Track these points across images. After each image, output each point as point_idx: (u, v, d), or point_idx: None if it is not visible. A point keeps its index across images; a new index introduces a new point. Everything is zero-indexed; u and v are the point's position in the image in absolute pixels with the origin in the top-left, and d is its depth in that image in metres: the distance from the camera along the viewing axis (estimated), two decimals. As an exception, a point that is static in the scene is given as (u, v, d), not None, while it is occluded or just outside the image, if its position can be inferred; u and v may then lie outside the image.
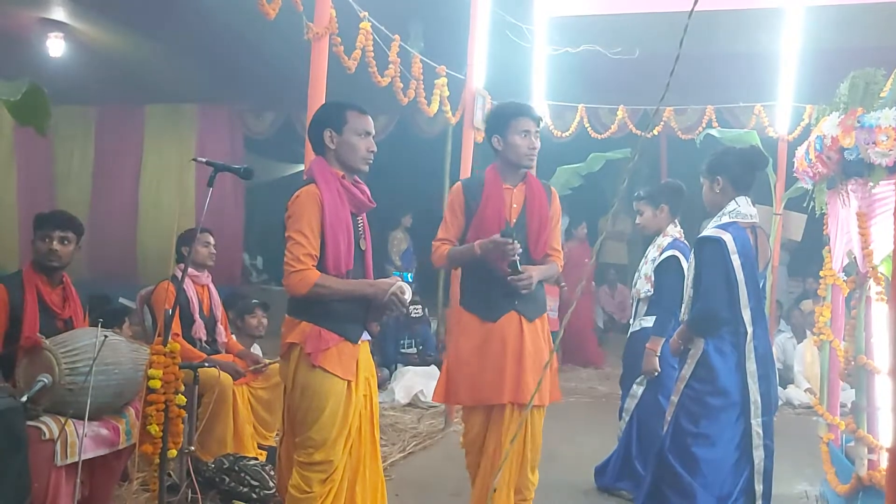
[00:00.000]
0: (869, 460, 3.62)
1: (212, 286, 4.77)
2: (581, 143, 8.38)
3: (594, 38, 7.33)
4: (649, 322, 4.27)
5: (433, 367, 7.07)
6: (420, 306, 8.05)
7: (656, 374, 4.17)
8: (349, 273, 2.91)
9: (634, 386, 4.36)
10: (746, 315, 3.36)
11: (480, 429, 3.45)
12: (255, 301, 5.25)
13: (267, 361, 4.71)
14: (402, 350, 7.62)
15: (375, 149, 3.02)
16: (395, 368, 7.25)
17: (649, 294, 4.31)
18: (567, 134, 8.19)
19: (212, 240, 4.69)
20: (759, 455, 3.38)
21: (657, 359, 4.14)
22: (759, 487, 3.39)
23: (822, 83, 4.46)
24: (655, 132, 8.43)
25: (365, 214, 3.11)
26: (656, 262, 4.29)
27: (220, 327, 4.70)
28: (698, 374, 3.39)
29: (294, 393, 2.89)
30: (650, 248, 4.44)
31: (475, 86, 5.94)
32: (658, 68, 3.17)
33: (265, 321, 5.11)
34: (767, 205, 7.55)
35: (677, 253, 4.23)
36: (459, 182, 3.62)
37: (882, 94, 3.35)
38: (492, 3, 6.18)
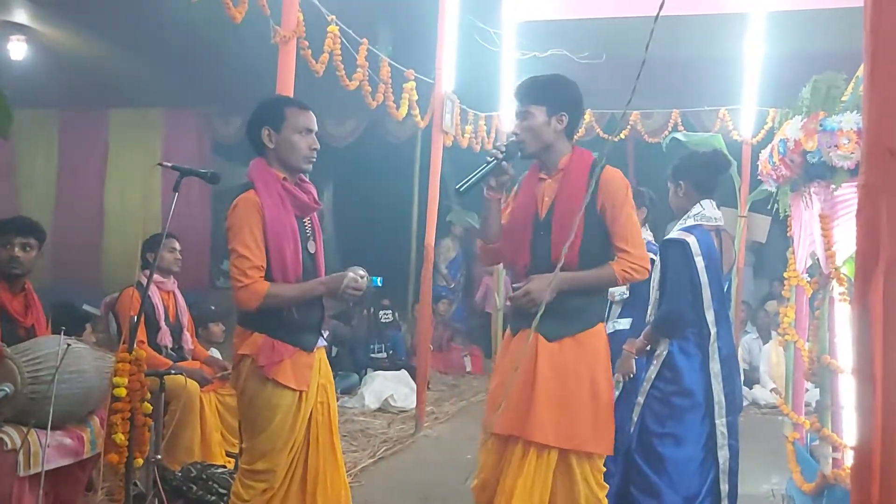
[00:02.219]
0: (833, 459, 3.67)
1: (178, 292, 4.71)
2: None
3: (561, 42, 7.38)
4: (624, 324, 4.29)
5: (403, 372, 7.06)
6: (390, 311, 8.04)
7: (632, 375, 4.20)
8: (299, 280, 2.80)
9: None
10: (710, 316, 3.41)
11: (496, 469, 2.86)
12: (212, 308, 5.21)
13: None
14: (372, 355, 7.60)
15: (318, 146, 2.88)
16: (365, 373, 7.23)
17: (625, 296, 4.33)
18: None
19: (177, 245, 4.63)
20: (723, 455, 3.42)
21: (634, 361, 4.18)
22: (724, 487, 3.43)
23: (785, 87, 4.53)
24: (622, 136, 8.50)
25: (315, 215, 2.99)
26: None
27: (187, 334, 4.65)
28: (663, 375, 3.43)
29: (243, 402, 2.82)
30: None
31: (444, 90, 5.94)
32: (624, 72, 3.19)
33: (222, 329, 5.09)
34: (732, 207, 7.65)
35: (653, 256, 4.27)
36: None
37: (843, 99, 3.41)
38: (460, 8, 6.19)
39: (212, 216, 10.00)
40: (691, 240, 3.41)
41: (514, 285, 2.96)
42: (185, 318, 4.70)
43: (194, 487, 3.93)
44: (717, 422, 3.39)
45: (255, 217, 2.71)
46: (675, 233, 3.50)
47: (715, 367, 3.39)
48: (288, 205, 2.80)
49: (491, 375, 3.15)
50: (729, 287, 3.64)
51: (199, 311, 5.14)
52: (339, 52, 4.76)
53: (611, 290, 4.37)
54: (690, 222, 3.50)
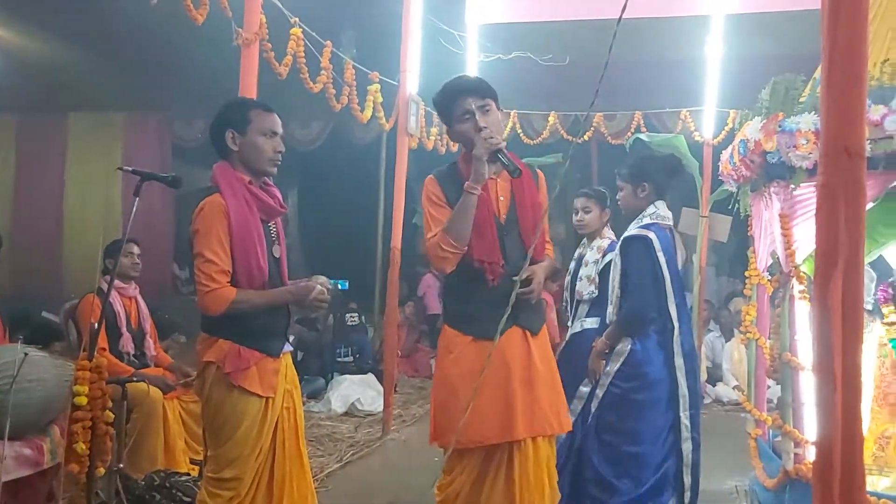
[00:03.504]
0: (795, 454, 3.72)
1: (140, 298, 4.64)
2: (514, 148, 8.33)
3: (525, 45, 7.43)
4: (592, 323, 4.31)
5: (370, 376, 7.04)
6: (356, 314, 8.00)
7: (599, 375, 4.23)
8: (264, 284, 2.77)
9: (581, 388, 4.39)
10: (673, 311, 3.48)
11: (471, 477, 2.83)
12: (166, 316, 5.15)
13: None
14: (339, 359, 7.56)
15: (283, 149, 2.84)
16: (332, 377, 7.19)
17: (593, 296, 4.36)
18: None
19: (136, 250, 4.57)
20: (686, 448, 3.47)
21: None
22: (686, 480, 3.48)
23: (745, 89, 4.60)
24: (586, 137, 8.57)
25: (280, 219, 2.96)
26: (600, 264, 4.34)
27: (149, 340, 4.58)
28: (624, 371, 3.48)
29: (208, 410, 2.77)
30: (585, 250, 4.48)
31: (409, 92, 5.94)
32: (587, 75, 3.20)
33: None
34: (694, 207, 7.75)
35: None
36: (432, 175, 2.98)
37: (801, 100, 3.46)
38: (424, 11, 6.19)
39: (174, 221, 9.88)
40: (652, 236, 3.47)
41: (488, 282, 2.87)
42: (148, 325, 4.64)
43: (158, 496, 3.87)
44: (681, 415, 3.45)
45: (221, 221, 2.68)
46: (634, 230, 3.56)
47: (679, 361, 3.45)
48: (254, 208, 2.77)
49: (440, 384, 2.94)
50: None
51: (160, 321, 5.07)
52: (303, 54, 4.74)
53: (579, 289, 4.41)
54: (647, 221, 3.57)
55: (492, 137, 2.80)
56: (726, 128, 7.51)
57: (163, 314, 5.29)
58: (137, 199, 2.89)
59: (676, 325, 3.48)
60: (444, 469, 2.91)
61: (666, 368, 3.45)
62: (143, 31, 7.01)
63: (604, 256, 4.32)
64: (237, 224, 2.69)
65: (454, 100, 2.91)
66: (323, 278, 2.84)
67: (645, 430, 3.44)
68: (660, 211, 3.61)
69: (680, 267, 3.64)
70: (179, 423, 4.45)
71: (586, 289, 4.37)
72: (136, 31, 7.03)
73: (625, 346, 3.49)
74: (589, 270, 4.38)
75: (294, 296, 2.81)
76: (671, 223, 3.65)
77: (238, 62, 3.99)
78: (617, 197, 3.86)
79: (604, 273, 4.29)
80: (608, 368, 3.53)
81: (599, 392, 3.54)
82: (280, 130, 2.86)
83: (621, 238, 3.67)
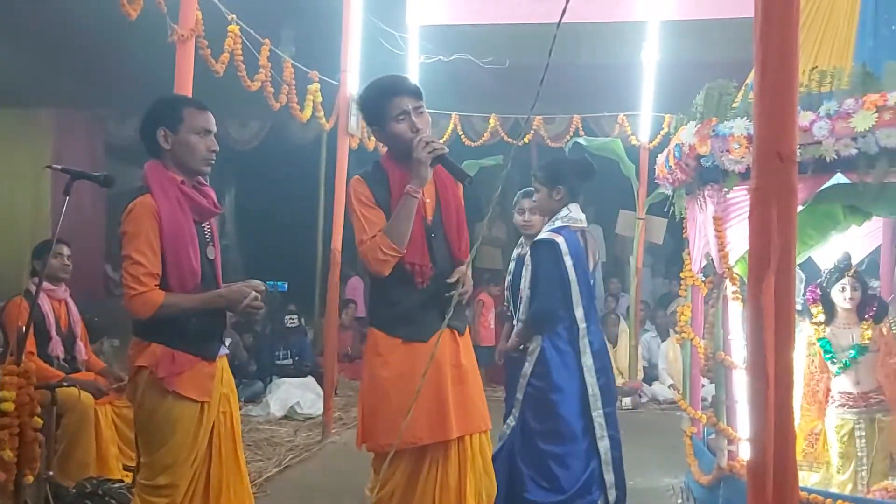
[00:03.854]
0: (729, 451, 3.81)
1: (70, 301, 4.50)
2: (455, 150, 8.46)
3: (466, 47, 7.45)
4: None
5: (310, 378, 6.96)
6: (296, 316, 7.91)
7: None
8: (197, 287, 2.70)
9: None
10: (579, 313, 3.57)
11: (404, 477, 2.83)
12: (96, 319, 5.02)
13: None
14: (278, 361, 7.45)
15: (217, 148, 2.77)
16: (270, 380, 7.08)
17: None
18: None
19: (66, 251, 4.43)
20: (604, 446, 3.55)
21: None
22: (608, 477, 3.54)
23: (680, 94, 4.70)
24: (526, 140, 8.64)
25: (214, 220, 2.88)
26: None
27: (80, 344, 4.45)
28: (538, 371, 3.55)
29: (141, 415, 2.70)
30: (525, 249, 4.51)
31: (349, 92, 5.90)
32: (527, 78, 3.23)
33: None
34: (631, 210, 7.89)
35: None
36: (358, 176, 2.91)
37: (734, 105, 3.55)
38: (364, 11, 6.16)
39: (106, 221, 9.62)
40: (560, 240, 3.57)
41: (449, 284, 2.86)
42: (79, 328, 4.51)
43: (89, 503, 3.77)
44: (593, 414, 3.52)
45: (151, 222, 2.61)
46: (544, 234, 3.64)
47: (587, 361, 3.54)
48: (186, 209, 2.70)
49: (369, 387, 2.89)
50: (594, 285, 3.79)
51: (91, 324, 4.93)
52: (241, 52, 4.66)
53: (523, 287, 4.45)
54: (558, 223, 3.66)
55: (433, 142, 2.79)
56: (662, 132, 7.66)
57: (93, 317, 5.13)
58: (68, 198, 2.80)
59: (583, 325, 3.58)
60: (376, 470, 2.90)
61: (575, 369, 3.53)
62: (74, 25, 6.80)
63: None
64: (168, 225, 2.62)
65: (389, 99, 2.83)
66: (257, 282, 2.77)
67: (564, 431, 3.50)
68: (572, 213, 3.70)
69: (591, 269, 3.72)
70: (112, 428, 4.34)
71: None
72: (66, 25, 6.82)
73: (536, 345, 3.57)
74: None
75: (226, 300, 2.74)
76: (584, 225, 3.75)
77: (173, 59, 3.90)
78: (533, 199, 3.91)
79: None
80: (524, 369, 3.60)
81: (520, 394, 3.60)
82: (214, 129, 2.79)
83: (532, 241, 3.74)
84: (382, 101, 2.85)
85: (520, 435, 3.56)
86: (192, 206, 2.72)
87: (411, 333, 2.82)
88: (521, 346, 3.69)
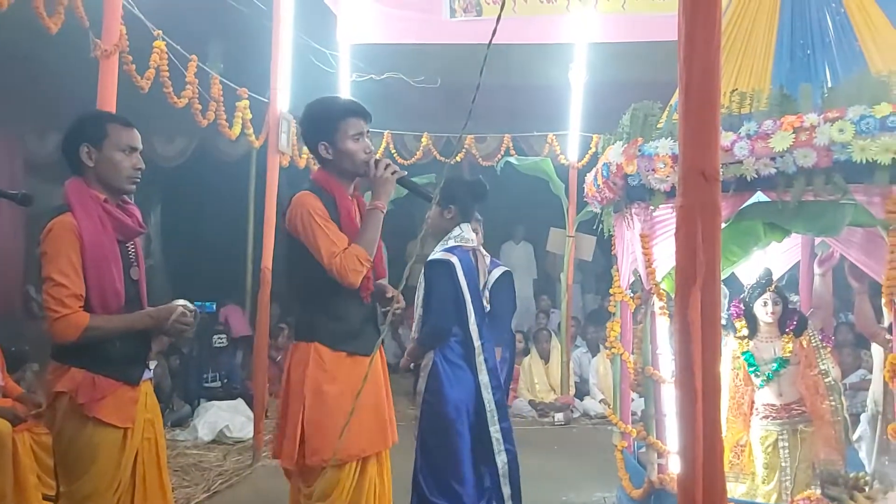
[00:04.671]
0: (659, 465, 3.87)
1: (-14, 324, 4.32)
2: (387, 168, 8.46)
3: (397, 66, 7.48)
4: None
5: (239, 401, 6.80)
6: (224, 335, 7.73)
7: None
8: (121, 308, 2.63)
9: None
10: (474, 330, 3.62)
11: (349, 490, 2.88)
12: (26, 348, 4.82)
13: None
14: (206, 384, 7.26)
15: (143, 166, 2.71)
16: (198, 404, 6.89)
17: (485, 311, 4.44)
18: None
19: (-17, 273, 4.26)
20: (501, 460, 3.60)
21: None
22: (505, 490, 3.59)
23: (607, 114, 4.80)
24: (458, 159, 8.70)
25: (139, 239, 2.81)
26: (489, 281, 4.43)
27: (-4, 369, 4.27)
28: (430, 387, 3.57)
29: (60, 443, 2.60)
30: None
31: (279, 109, 5.84)
32: (459, 97, 3.27)
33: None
34: (561, 227, 8.01)
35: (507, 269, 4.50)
36: (308, 192, 2.93)
37: (659, 126, 3.64)
38: (294, 28, 6.12)
39: (25, 241, 9.27)
40: (454, 260, 3.61)
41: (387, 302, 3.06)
42: (-5, 353, 4.32)
43: (5, 537, 3.60)
44: (490, 429, 3.56)
45: (72, 241, 2.52)
46: (438, 253, 3.68)
47: (483, 378, 3.60)
48: (109, 228, 2.62)
49: (314, 403, 2.86)
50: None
51: (10, 351, 4.73)
52: (167, 68, 4.57)
53: None
54: (451, 243, 3.71)
55: (391, 164, 2.93)
56: (590, 151, 7.82)
57: (14, 345, 4.92)
58: (-17, 218, 2.69)
59: (478, 343, 3.63)
60: (308, 483, 2.87)
61: (472, 385, 3.56)
62: (-9, 38, 6.57)
63: (490, 273, 4.42)
64: (90, 245, 2.54)
65: (345, 118, 2.94)
66: (183, 301, 2.71)
67: (459, 445, 3.51)
68: (464, 233, 3.76)
69: (482, 287, 3.76)
70: (31, 456, 4.16)
71: None
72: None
73: (428, 360, 3.61)
74: None
75: (154, 319, 2.68)
76: (474, 245, 3.81)
77: (96, 74, 3.80)
78: (427, 216, 3.95)
79: (493, 289, 4.38)
80: (419, 386, 3.64)
81: (417, 411, 3.62)
82: (140, 146, 2.73)
83: (426, 260, 3.76)
84: (341, 118, 2.94)
85: (420, 452, 3.57)
86: (115, 225, 2.65)
87: (356, 347, 2.89)
88: (413, 364, 3.76)
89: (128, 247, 2.73)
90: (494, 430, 3.57)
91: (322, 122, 2.97)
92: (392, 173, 2.90)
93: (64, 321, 2.50)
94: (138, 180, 2.72)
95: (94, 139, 2.64)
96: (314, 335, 2.90)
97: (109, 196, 2.67)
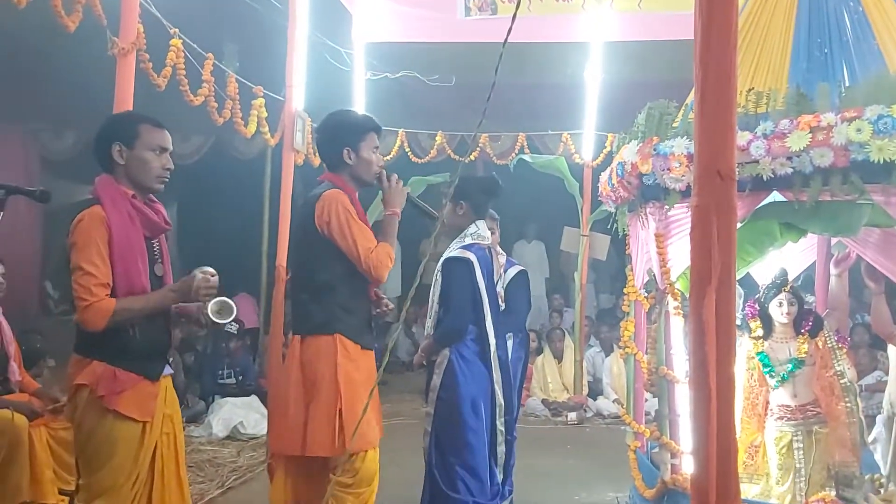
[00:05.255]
0: (672, 464, 3.87)
1: (3, 321, 4.36)
2: (402, 166, 8.46)
3: (412, 65, 7.48)
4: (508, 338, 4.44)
5: (253, 398, 6.83)
6: (236, 324, 7.74)
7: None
8: None
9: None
10: (490, 328, 3.60)
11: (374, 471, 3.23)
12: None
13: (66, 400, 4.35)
14: (220, 380, 7.30)
15: (172, 166, 2.79)
16: (213, 400, 6.93)
17: (500, 310, 4.46)
18: (388, 158, 8.27)
19: (0, 269, 4.29)
20: (501, 450, 3.64)
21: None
22: (499, 476, 3.60)
23: (622, 113, 4.79)
24: (472, 157, 8.70)
25: (164, 237, 2.87)
26: (505, 280, 4.46)
27: (13, 364, 4.31)
28: (446, 383, 3.56)
29: (80, 436, 2.63)
30: None
31: (295, 108, 5.85)
32: (473, 96, 3.30)
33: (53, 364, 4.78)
34: (575, 226, 7.99)
35: (522, 268, 4.65)
36: (338, 191, 3.18)
37: (674, 125, 3.63)
38: (310, 26, 6.13)
39: (42, 238, 9.34)
40: (473, 258, 3.60)
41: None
42: (12, 348, 4.36)
43: (21, 530, 3.64)
44: (497, 422, 3.57)
45: (101, 232, 2.57)
46: (456, 251, 3.68)
47: (497, 375, 3.61)
48: (137, 223, 2.67)
49: (349, 391, 3.05)
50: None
51: (28, 346, 4.77)
52: (183, 66, 4.59)
53: None
54: (468, 241, 3.69)
55: (399, 179, 3.27)
56: (605, 150, 7.79)
57: (32, 339, 4.96)
58: (2, 214, 2.71)
59: (493, 341, 3.64)
60: (358, 474, 3.07)
61: (486, 381, 3.57)
62: (10, 36, 6.63)
63: (505, 272, 4.47)
64: (118, 237, 2.59)
65: (370, 131, 3.30)
66: (202, 268, 2.73)
67: (474, 443, 3.51)
68: (480, 231, 3.76)
69: (496, 284, 3.80)
70: (47, 451, 4.19)
71: None
72: (0, 35, 6.64)
73: (444, 357, 3.58)
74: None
75: (177, 293, 2.71)
76: (489, 242, 3.81)
77: (113, 72, 3.83)
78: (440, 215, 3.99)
79: (509, 287, 4.43)
80: (433, 382, 3.63)
81: (430, 408, 3.61)
82: (170, 147, 2.80)
83: (442, 257, 3.76)
84: (367, 130, 3.30)
85: (434, 449, 3.57)
86: (142, 220, 2.70)
87: (368, 342, 3.19)
88: (426, 361, 3.77)
89: (153, 243, 2.78)
90: (500, 423, 3.61)
91: (350, 129, 3.28)
92: (402, 187, 3.25)
93: (93, 309, 2.53)
94: (167, 180, 2.78)
95: (126, 139, 2.71)
96: (336, 328, 3.08)
97: (137, 193, 2.73)
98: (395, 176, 3.28)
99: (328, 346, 3.06)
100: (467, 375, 3.54)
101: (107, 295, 2.57)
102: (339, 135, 3.27)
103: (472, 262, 3.59)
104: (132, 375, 2.61)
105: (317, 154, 6.87)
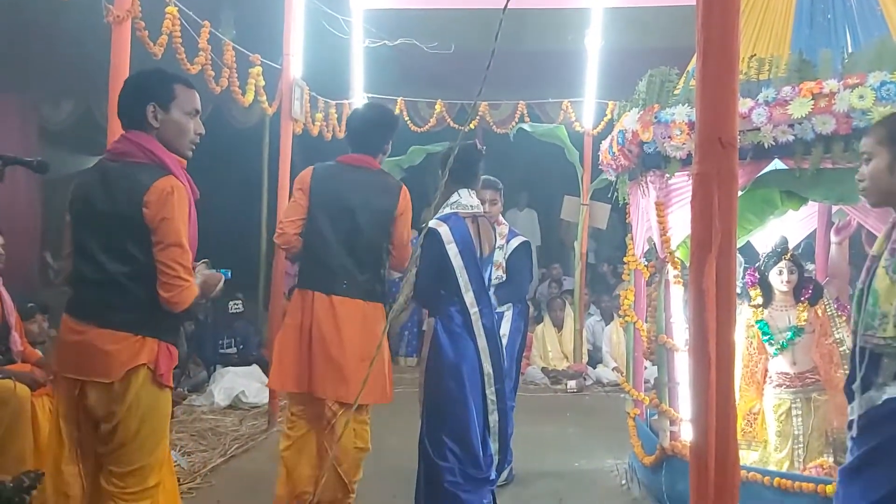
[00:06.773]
0: (671, 432, 3.90)
1: (3, 290, 4.36)
2: (401, 135, 8.38)
3: (411, 32, 7.41)
4: (506, 308, 4.45)
5: (255, 367, 6.86)
6: (240, 302, 7.78)
7: None
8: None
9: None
10: (469, 298, 3.55)
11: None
12: (31, 305, 4.83)
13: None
14: (222, 350, 7.33)
15: (203, 131, 2.62)
16: (214, 369, 6.97)
17: (501, 280, 4.46)
18: None
19: (0, 240, 4.28)
20: (493, 419, 3.61)
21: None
22: (493, 445, 3.61)
23: (623, 81, 4.75)
24: (472, 126, 8.65)
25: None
26: (507, 250, 4.47)
27: (15, 335, 4.31)
28: (432, 355, 3.57)
29: (132, 419, 2.47)
30: None
31: (293, 76, 5.81)
32: (473, 64, 3.25)
33: (46, 326, 4.76)
34: (576, 195, 7.97)
35: (525, 239, 4.62)
36: (312, 167, 3.65)
37: (675, 92, 3.61)
38: (307, -7, 6.06)
39: (41, 208, 9.32)
40: (443, 229, 3.55)
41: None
42: (13, 318, 4.36)
43: (27, 498, 3.66)
44: (486, 391, 3.58)
45: (186, 207, 2.47)
46: (432, 222, 3.65)
47: (482, 342, 3.58)
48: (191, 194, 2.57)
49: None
50: (490, 269, 3.85)
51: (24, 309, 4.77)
52: (179, 34, 4.54)
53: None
54: (447, 210, 3.66)
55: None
56: (605, 118, 7.74)
57: (28, 302, 4.95)
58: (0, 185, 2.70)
59: (475, 309, 3.57)
60: (367, 416, 3.69)
61: (472, 351, 3.56)
62: (5, 6, 6.56)
63: (507, 242, 4.47)
64: (192, 212, 2.51)
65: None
66: (207, 269, 2.72)
67: (462, 413, 3.52)
68: (462, 199, 3.67)
69: (487, 253, 3.70)
70: (50, 421, 4.21)
71: (494, 273, 4.45)
72: (-5, 4, 6.57)
73: (430, 329, 3.61)
74: (496, 256, 4.47)
75: (207, 286, 2.64)
76: (476, 210, 3.69)
77: (109, 41, 3.79)
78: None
79: (511, 258, 4.44)
80: (422, 353, 3.66)
81: (421, 379, 3.63)
82: (201, 110, 2.64)
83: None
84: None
85: (425, 417, 3.60)
86: (190, 189, 2.58)
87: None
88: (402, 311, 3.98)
89: None
90: (490, 392, 3.60)
91: (392, 130, 3.86)
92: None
93: (190, 290, 2.45)
94: (196, 146, 2.64)
95: (162, 99, 2.51)
96: (384, 298, 3.62)
97: None
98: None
99: (379, 312, 3.56)
100: (451, 347, 3.54)
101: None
102: (391, 132, 3.85)
103: (438, 234, 3.54)
104: (174, 349, 2.56)
105: (315, 123, 6.86)
